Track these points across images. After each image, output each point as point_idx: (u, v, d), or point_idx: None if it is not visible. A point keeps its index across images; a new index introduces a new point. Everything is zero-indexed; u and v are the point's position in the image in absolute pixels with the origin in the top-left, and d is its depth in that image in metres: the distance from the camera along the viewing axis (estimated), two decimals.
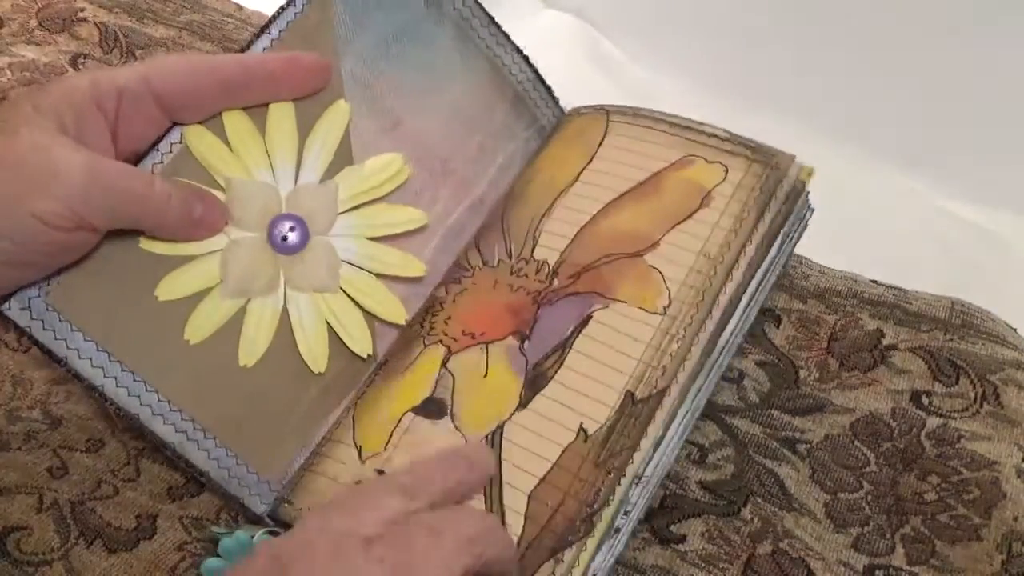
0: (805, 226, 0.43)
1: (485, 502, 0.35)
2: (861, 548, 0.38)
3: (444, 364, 0.39)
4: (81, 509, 0.40)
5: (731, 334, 0.38)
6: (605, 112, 0.44)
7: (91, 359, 0.35)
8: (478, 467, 0.35)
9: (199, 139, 0.38)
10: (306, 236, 0.39)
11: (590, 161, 0.42)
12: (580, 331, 0.38)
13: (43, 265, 0.35)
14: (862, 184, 0.61)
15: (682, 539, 0.39)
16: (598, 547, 0.34)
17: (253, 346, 0.38)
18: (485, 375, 0.38)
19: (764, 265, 0.39)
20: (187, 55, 0.53)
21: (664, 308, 0.38)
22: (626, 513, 0.35)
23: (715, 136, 0.41)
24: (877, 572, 0.37)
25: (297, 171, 0.39)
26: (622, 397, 0.36)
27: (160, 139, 0.37)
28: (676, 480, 0.40)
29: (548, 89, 0.46)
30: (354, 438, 0.38)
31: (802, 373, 0.42)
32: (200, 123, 0.38)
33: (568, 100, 0.47)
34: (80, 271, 0.35)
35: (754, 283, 0.39)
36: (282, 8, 0.40)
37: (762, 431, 0.41)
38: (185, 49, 0.56)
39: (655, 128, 0.42)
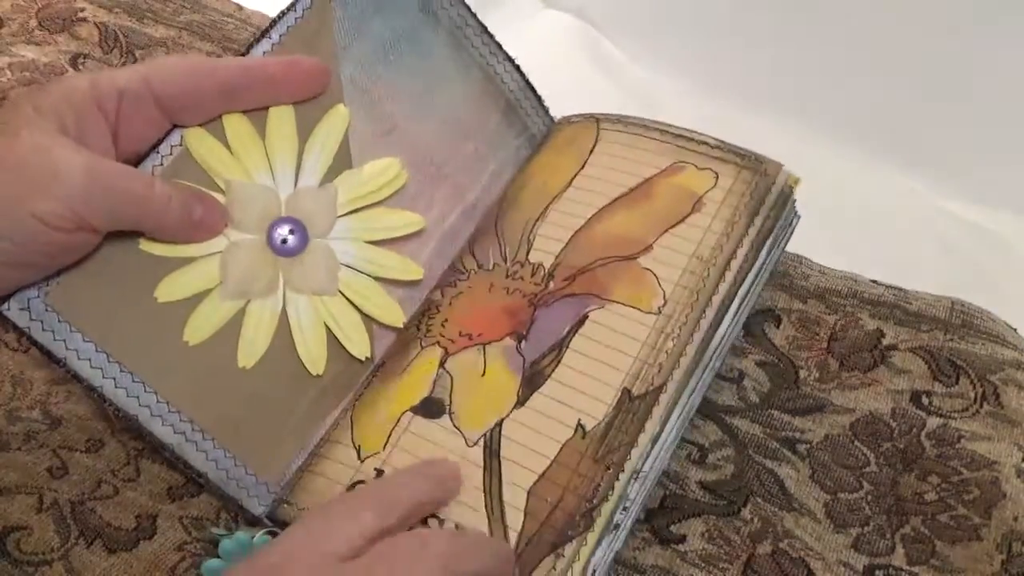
0: (792, 232, 0.43)
1: (484, 499, 0.35)
2: (861, 548, 0.38)
3: (442, 365, 0.39)
4: (81, 509, 0.40)
5: (724, 333, 0.39)
6: (596, 120, 0.45)
7: (90, 360, 0.35)
8: (445, 483, 0.35)
9: (199, 141, 0.38)
10: (305, 239, 0.39)
11: (582, 167, 0.43)
12: (577, 331, 0.38)
13: (43, 266, 0.35)
14: (862, 184, 0.61)
15: (682, 539, 0.39)
16: (598, 542, 0.34)
17: (252, 348, 0.38)
18: (483, 374, 0.38)
19: (755, 268, 0.40)
20: (188, 57, 0.53)
21: (659, 308, 0.38)
22: (625, 509, 0.35)
23: (705, 143, 0.42)
24: (877, 572, 0.37)
25: (297, 174, 0.39)
26: (619, 394, 0.36)
27: (160, 141, 0.37)
28: (676, 480, 0.40)
29: (539, 98, 0.46)
30: (352, 438, 0.38)
31: (802, 373, 0.42)
32: (200, 126, 0.38)
33: (568, 100, 0.47)
34: (80, 272, 0.35)
35: (745, 284, 0.39)
36: (283, 13, 0.40)
37: (762, 431, 0.41)
38: (185, 49, 0.56)
39: (646, 135, 0.43)
